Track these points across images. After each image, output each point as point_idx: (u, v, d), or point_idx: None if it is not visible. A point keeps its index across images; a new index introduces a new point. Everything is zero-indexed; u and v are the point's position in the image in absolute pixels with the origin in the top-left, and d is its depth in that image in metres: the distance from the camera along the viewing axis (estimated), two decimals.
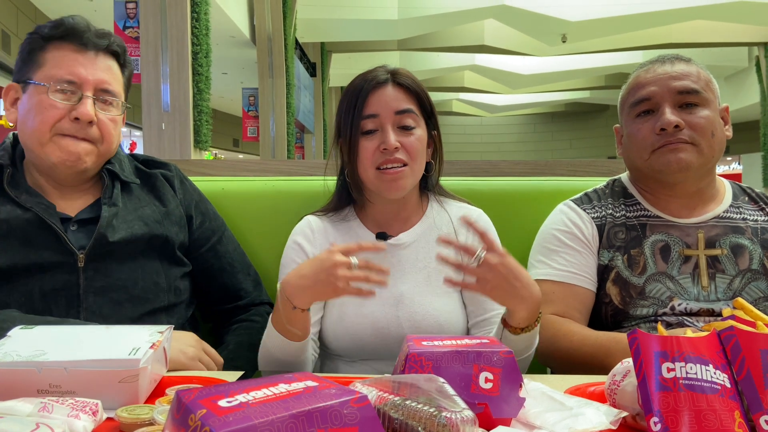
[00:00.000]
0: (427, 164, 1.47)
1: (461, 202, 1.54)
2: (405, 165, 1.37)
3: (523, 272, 1.15)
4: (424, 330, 1.37)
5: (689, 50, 12.54)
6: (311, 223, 1.49)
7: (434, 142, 1.49)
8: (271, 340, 1.24)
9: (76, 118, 1.30)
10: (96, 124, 1.33)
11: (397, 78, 1.41)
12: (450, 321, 1.40)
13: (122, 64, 1.41)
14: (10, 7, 8.98)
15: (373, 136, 1.38)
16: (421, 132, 1.41)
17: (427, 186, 1.53)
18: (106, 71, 1.35)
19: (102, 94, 1.34)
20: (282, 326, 1.20)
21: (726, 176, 1.57)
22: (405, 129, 1.39)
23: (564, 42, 13.14)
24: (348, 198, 1.50)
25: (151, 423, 0.82)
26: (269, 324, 1.26)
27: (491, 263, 1.12)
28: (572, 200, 1.56)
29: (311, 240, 1.46)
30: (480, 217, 1.50)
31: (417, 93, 1.43)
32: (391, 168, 1.36)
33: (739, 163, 20.77)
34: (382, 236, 1.45)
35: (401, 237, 1.46)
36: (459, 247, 1.15)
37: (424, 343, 0.91)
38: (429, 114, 1.46)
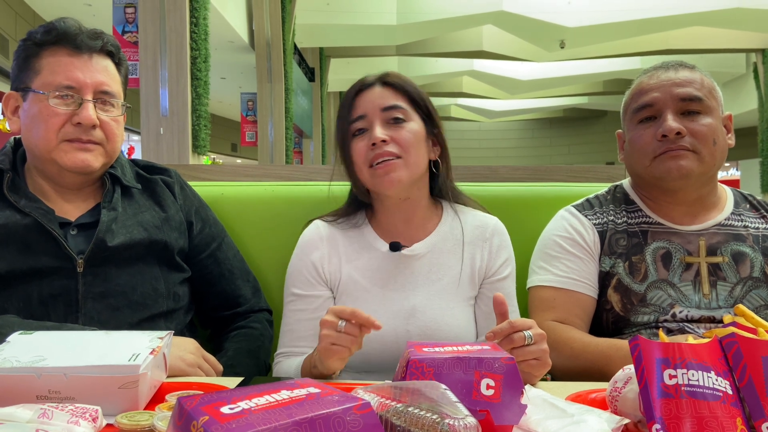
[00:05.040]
0: (436, 165, 1.43)
1: (476, 210, 1.49)
2: (398, 158, 1.33)
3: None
4: None
5: (687, 56, 12.57)
6: (320, 229, 1.45)
7: (438, 141, 1.44)
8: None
9: (79, 123, 1.30)
10: (99, 126, 1.33)
11: (385, 78, 1.40)
12: (460, 337, 1.36)
13: (117, 63, 1.41)
14: (9, 11, 8.99)
15: (363, 136, 1.36)
16: (414, 125, 1.37)
17: (440, 191, 1.47)
18: (102, 72, 1.35)
19: (102, 96, 1.34)
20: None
21: (724, 182, 1.57)
22: (395, 123, 1.35)
23: (562, 48, 13.18)
24: (360, 203, 1.46)
25: (151, 429, 0.82)
26: (299, 370, 1.27)
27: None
28: (574, 206, 1.55)
29: (320, 249, 1.42)
30: (496, 226, 1.46)
31: (407, 91, 1.39)
32: (383, 162, 1.33)
33: (737, 169, 20.81)
34: (395, 247, 1.39)
35: (415, 248, 1.41)
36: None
37: (425, 349, 0.91)
38: (426, 113, 1.41)
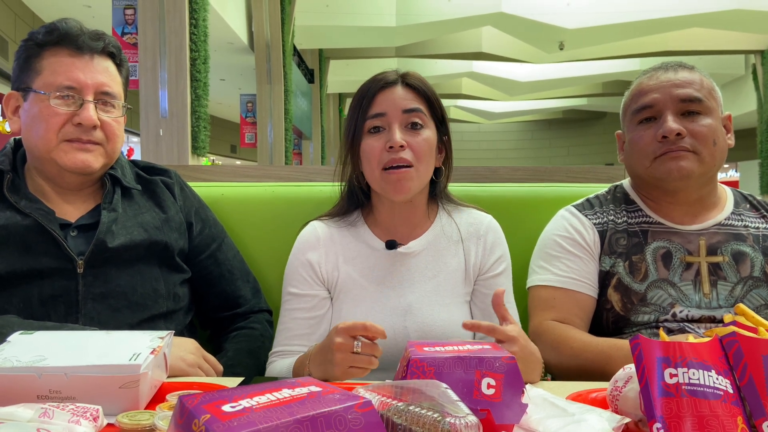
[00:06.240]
0: (437, 169, 1.44)
1: (470, 208, 1.50)
2: (410, 166, 1.33)
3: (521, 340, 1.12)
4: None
5: (686, 58, 12.59)
6: (317, 229, 1.45)
7: (445, 147, 1.45)
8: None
9: (80, 124, 1.30)
10: (100, 127, 1.33)
11: (406, 79, 1.39)
12: (458, 333, 1.36)
13: (119, 64, 1.41)
14: (8, 12, 8.99)
15: (380, 135, 1.35)
16: (429, 133, 1.37)
17: (436, 192, 1.48)
18: (103, 73, 1.35)
19: (102, 97, 1.35)
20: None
21: (723, 183, 1.58)
22: (413, 128, 1.35)
23: (561, 49, 13.18)
24: (356, 202, 1.47)
25: (151, 429, 0.82)
26: (290, 372, 1.27)
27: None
28: (574, 206, 1.55)
29: (317, 249, 1.43)
30: (490, 223, 1.47)
31: (427, 95, 1.39)
32: (396, 168, 1.33)
33: (736, 171, 20.81)
34: (391, 245, 1.40)
35: (411, 245, 1.42)
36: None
37: (426, 348, 0.91)
38: (440, 119, 1.42)
